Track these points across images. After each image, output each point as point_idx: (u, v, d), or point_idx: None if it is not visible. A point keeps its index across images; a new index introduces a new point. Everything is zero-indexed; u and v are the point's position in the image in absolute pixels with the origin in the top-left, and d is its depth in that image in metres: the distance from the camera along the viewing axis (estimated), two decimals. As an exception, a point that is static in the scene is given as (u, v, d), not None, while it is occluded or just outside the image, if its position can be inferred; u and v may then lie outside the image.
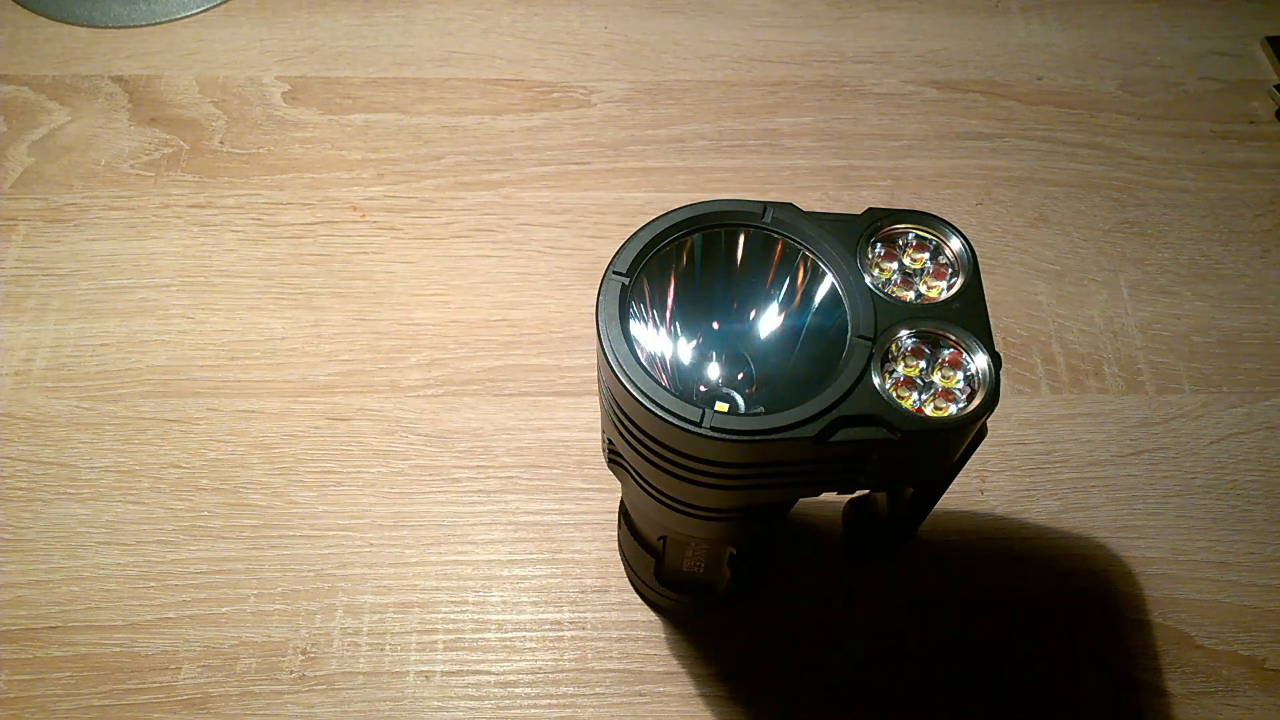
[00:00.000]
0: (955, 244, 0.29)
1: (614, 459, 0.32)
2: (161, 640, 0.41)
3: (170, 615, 0.42)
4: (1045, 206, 0.55)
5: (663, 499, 0.30)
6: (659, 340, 0.30)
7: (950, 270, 0.29)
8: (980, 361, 0.28)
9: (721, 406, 0.27)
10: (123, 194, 0.54)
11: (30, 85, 0.58)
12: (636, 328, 0.28)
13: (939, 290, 0.29)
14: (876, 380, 0.27)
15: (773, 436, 0.26)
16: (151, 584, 0.43)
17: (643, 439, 0.28)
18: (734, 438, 0.26)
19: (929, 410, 0.27)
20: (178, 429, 0.46)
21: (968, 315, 0.28)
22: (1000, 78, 0.61)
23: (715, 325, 0.31)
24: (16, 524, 0.44)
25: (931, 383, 0.28)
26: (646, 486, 0.30)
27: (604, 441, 0.33)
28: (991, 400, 0.27)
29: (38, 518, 0.44)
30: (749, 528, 0.34)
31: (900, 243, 0.30)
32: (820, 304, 0.29)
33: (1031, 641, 0.43)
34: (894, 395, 0.27)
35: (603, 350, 0.27)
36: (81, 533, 0.44)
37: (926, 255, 0.29)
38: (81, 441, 0.46)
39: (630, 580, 0.43)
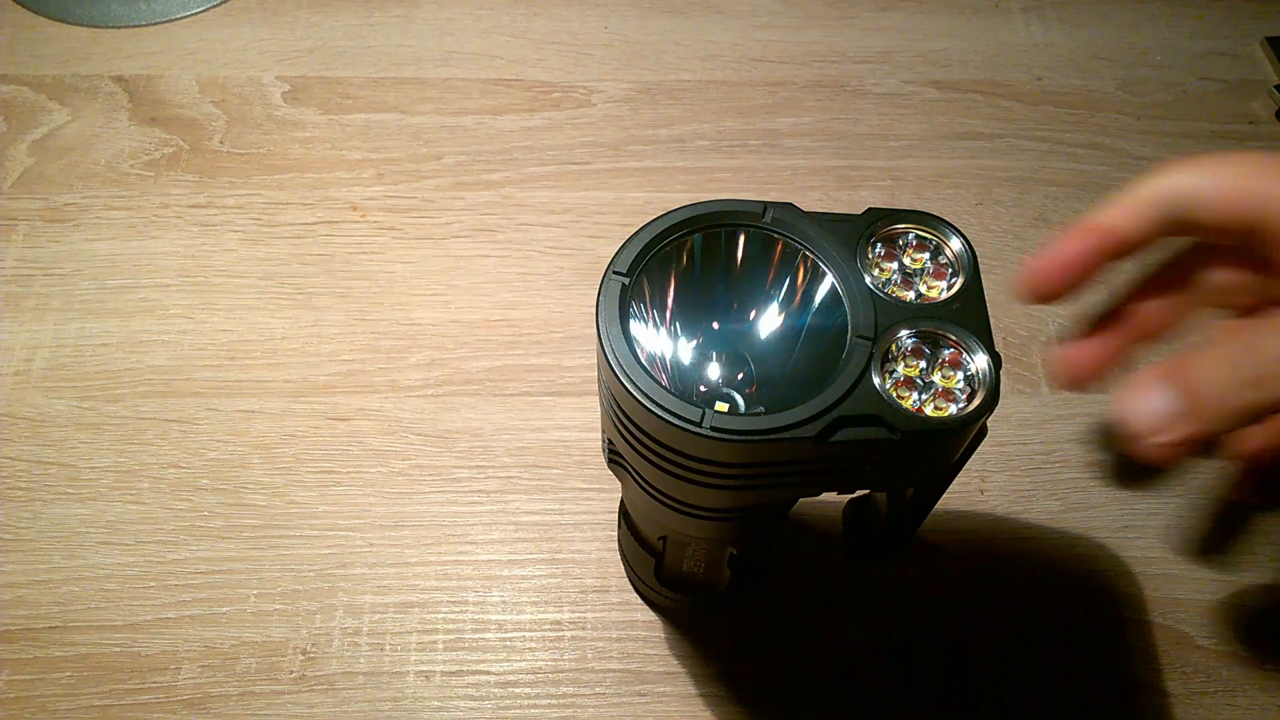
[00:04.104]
0: (955, 244, 0.29)
1: (614, 459, 0.32)
2: (161, 640, 0.41)
3: (170, 615, 0.42)
4: (1045, 206, 0.55)
5: (663, 499, 0.30)
6: (659, 340, 0.30)
7: (950, 270, 0.29)
8: (980, 361, 0.27)
9: (722, 406, 0.27)
10: (123, 194, 0.54)
11: (30, 85, 0.58)
12: (636, 328, 0.28)
13: (939, 290, 0.29)
14: (877, 380, 0.27)
15: (773, 436, 0.26)
16: (151, 584, 0.43)
17: (643, 439, 0.28)
18: (734, 438, 0.26)
19: (929, 410, 0.27)
20: (178, 429, 0.46)
21: (968, 315, 0.28)
22: (1000, 78, 0.61)
23: (715, 325, 0.31)
24: (16, 524, 0.44)
25: (932, 383, 0.28)
26: (646, 486, 0.30)
27: (604, 441, 0.33)
28: (991, 400, 0.27)
29: (38, 518, 0.44)
30: (749, 528, 0.34)
31: (900, 243, 0.30)
32: (820, 304, 0.29)
33: (1031, 641, 0.43)
34: (894, 395, 0.27)
35: (603, 350, 0.27)
36: (81, 533, 0.44)
37: (926, 255, 0.29)
38: (81, 441, 0.46)
39: (630, 580, 0.43)
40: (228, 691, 0.40)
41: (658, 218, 0.29)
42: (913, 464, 0.29)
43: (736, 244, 0.30)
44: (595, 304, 0.28)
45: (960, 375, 0.28)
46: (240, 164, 0.55)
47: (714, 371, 0.31)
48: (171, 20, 0.61)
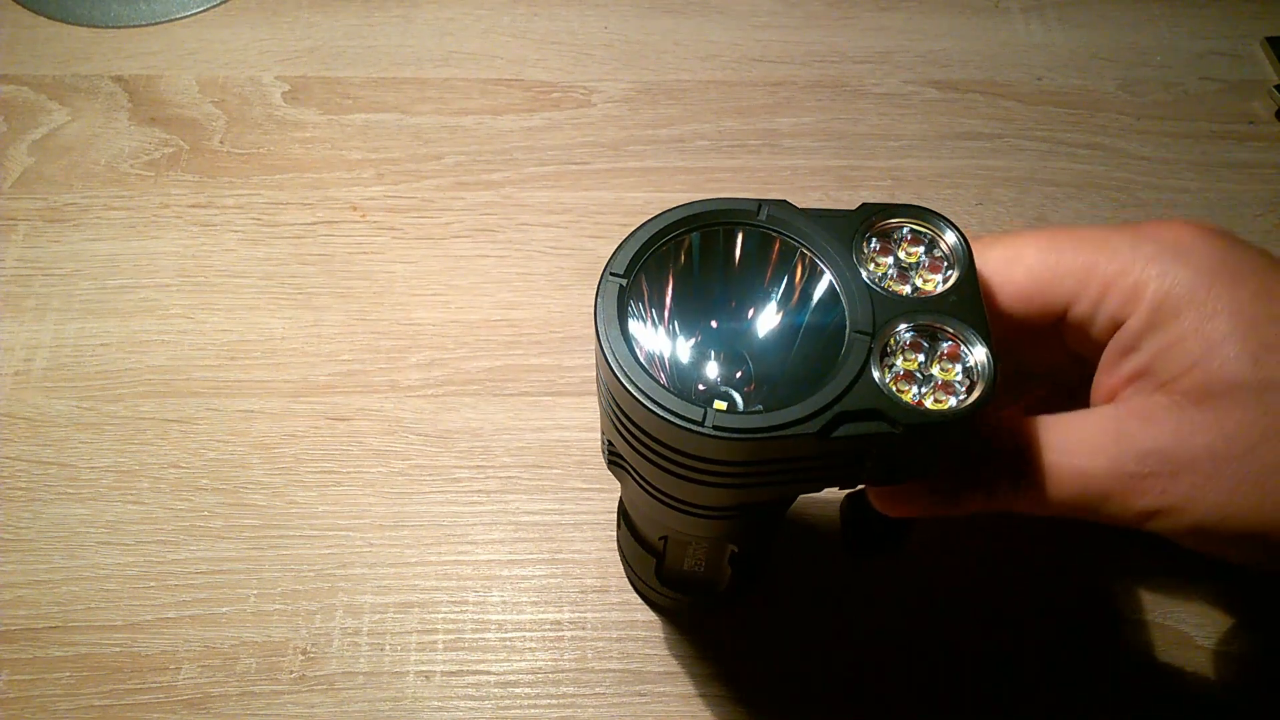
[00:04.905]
0: (950, 237, 0.29)
1: (614, 460, 0.32)
2: (161, 640, 0.41)
3: (170, 615, 0.42)
4: (1045, 206, 0.55)
5: (664, 499, 0.30)
6: (657, 339, 0.30)
7: (946, 264, 0.29)
8: (979, 353, 0.27)
9: (720, 405, 0.27)
10: (123, 194, 0.54)
11: (30, 85, 0.58)
12: (635, 327, 0.28)
13: (935, 284, 0.29)
14: (876, 375, 0.27)
15: (775, 434, 0.26)
16: (151, 584, 0.43)
17: (644, 440, 0.27)
18: (737, 436, 0.26)
19: (929, 403, 0.27)
20: (178, 429, 0.46)
21: (964, 308, 0.28)
22: (1000, 78, 0.61)
23: (714, 324, 0.31)
24: (16, 524, 0.44)
25: (931, 376, 0.28)
26: (647, 487, 0.30)
27: (604, 443, 0.33)
28: (991, 392, 0.27)
29: (38, 518, 0.44)
30: (750, 525, 0.34)
31: (895, 237, 0.30)
32: (818, 301, 0.29)
33: (1032, 641, 0.42)
34: (894, 389, 0.27)
35: (602, 352, 0.27)
36: (81, 533, 0.44)
37: (921, 249, 0.29)
38: (81, 441, 0.46)
39: (630, 580, 0.43)
40: (228, 691, 0.40)
41: (652, 219, 0.29)
42: (914, 457, 0.29)
43: (735, 243, 0.30)
44: (594, 306, 0.28)
45: (959, 368, 0.28)
46: (240, 164, 0.55)
47: (712, 370, 0.31)
48: (171, 20, 0.61)
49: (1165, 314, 0.27)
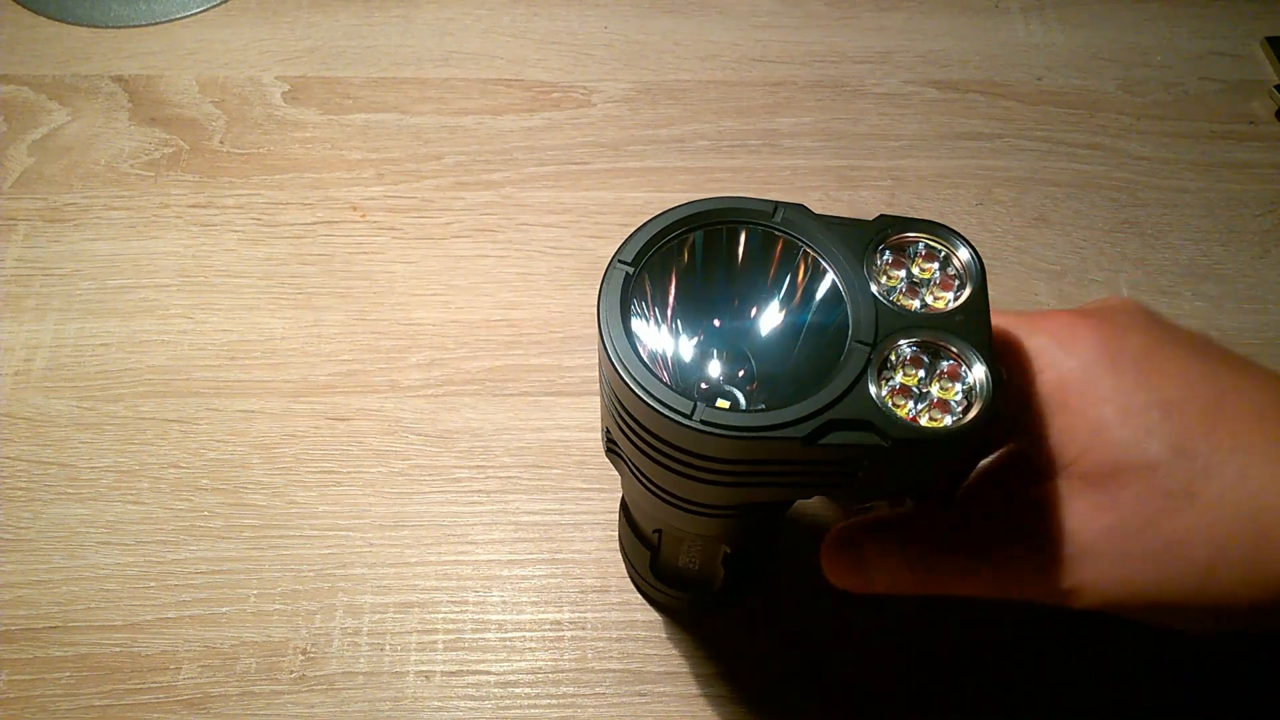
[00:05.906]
0: (964, 255, 0.29)
1: (611, 448, 0.32)
2: (161, 640, 0.41)
3: (170, 615, 0.42)
4: (1045, 206, 0.55)
5: (654, 489, 0.30)
6: (661, 337, 0.30)
7: (958, 282, 0.29)
8: (978, 374, 0.27)
9: (723, 404, 0.27)
10: (123, 194, 0.54)
11: (30, 85, 0.58)
12: (638, 325, 0.28)
13: (945, 301, 0.29)
14: (872, 387, 0.26)
15: (761, 435, 0.26)
16: (151, 584, 0.43)
17: (636, 429, 0.28)
18: (722, 433, 0.25)
19: (924, 420, 0.27)
20: (178, 429, 0.46)
21: (970, 328, 0.28)
22: (1000, 78, 0.61)
23: (717, 323, 0.31)
24: (16, 524, 0.44)
25: (928, 393, 0.27)
26: (639, 476, 0.31)
27: (603, 432, 0.33)
28: (988, 414, 0.27)
29: (38, 518, 0.44)
30: (743, 526, 0.33)
31: (910, 251, 0.30)
32: (821, 301, 0.29)
33: (1032, 642, 0.42)
34: (889, 403, 0.27)
35: (602, 340, 0.27)
36: (81, 533, 0.44)
37: (935, 265, 0.29)
38: (81, 441, 0.46)
39: (629, 575, 0.43)
40: (228, 691, 0.40)
41: (666, 211, 0.29)
42: (905, 474, 0.29)
43: (738, 241, 0.30)
44: (598, 292, 0.28)
45: (958, 387, 0.27)
46: (240, 164, 0.55)
47: (715, 369, 0.31)
48: (171, 20, 0.61)
49: (1055, 403, 0.29)
